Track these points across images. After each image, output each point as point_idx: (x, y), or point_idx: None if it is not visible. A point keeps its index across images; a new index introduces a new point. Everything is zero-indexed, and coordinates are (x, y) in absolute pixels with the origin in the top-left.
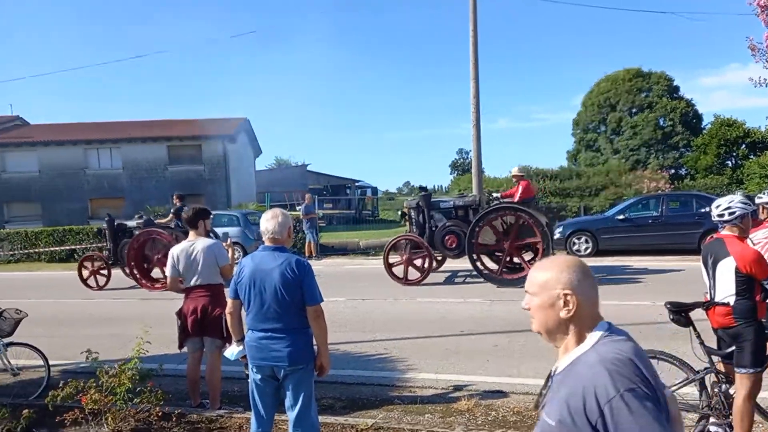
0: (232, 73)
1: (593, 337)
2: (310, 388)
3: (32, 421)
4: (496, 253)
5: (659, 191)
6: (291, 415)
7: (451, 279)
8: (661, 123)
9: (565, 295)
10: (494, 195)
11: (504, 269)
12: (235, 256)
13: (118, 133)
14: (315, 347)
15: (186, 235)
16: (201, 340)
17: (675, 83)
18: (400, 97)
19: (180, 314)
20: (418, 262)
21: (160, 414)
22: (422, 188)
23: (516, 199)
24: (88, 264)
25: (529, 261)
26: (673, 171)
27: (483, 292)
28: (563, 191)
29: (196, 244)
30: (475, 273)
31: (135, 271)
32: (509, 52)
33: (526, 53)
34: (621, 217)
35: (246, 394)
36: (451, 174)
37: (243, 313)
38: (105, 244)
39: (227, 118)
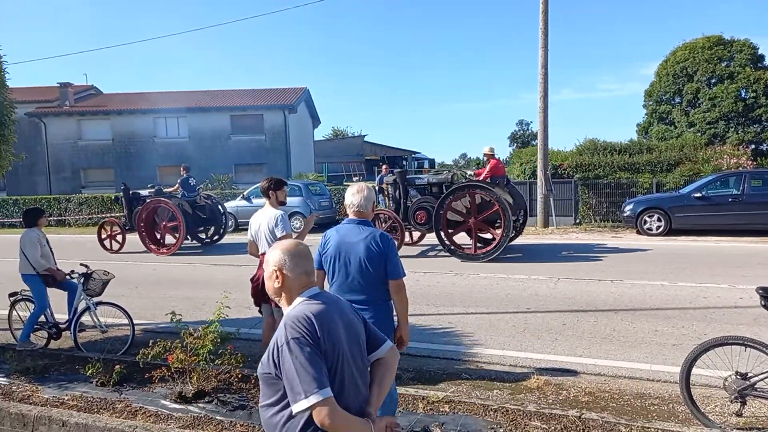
0: (293, 42)
1: (297, 301)
2: None
3: (123, 375)
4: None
5: (740, 168)
6: None
7: (511, 256)
8: (743, 94)
9: (275, 271)
10: (468, 173)
11: (479, 245)
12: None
13: (184, 102)
14: (395, 319)
15: (190, 204)
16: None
17: (760, 51)
18: (457, 67)
19: (252, 280)
20: (395, 235)
21: (239, 376)
22: (398, 165)
23: (482, 177)
24: (107, 227)
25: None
26: (753, 146)
27: (548, 270)
28: (633, 166)
29: (264, 212)
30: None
31: (145, 238)
32: (572, 18)
33: (591, 19)
34: (698, 195)
35: None
36: (510, 146)
37: (326, 283)
38: (122, 211)
39: (288, 88)
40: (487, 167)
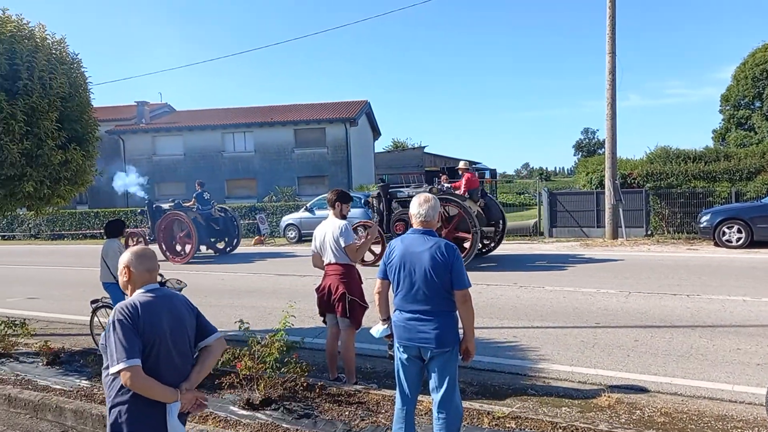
0: (353, 56)
1: (136, 292)
2: (455, 371)
3: None
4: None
5: None
6: (435, 396)
7: (579, 269)
8: None
9: (124, 268)
10: (446, 186)
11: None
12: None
13: (250, 117)
14: (460, 331)
15: (204, 218)
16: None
17: None
18: (520, 75)
19: (317, 290)
20: (374, 246)
21: (305, 384)
22: (381, 179)
23: (462, 191)
24: (132, 239)
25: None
26: None
27: (618, 283)
28: (709, 174)
29: (329, 223)
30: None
31: (162, 246)
32: (640, 22)
33: (660, 22)
34: None
35: (378, 371)
36: (574, 155)
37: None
38: (148, 223)
39: (349, 101)
40: (463, 181)
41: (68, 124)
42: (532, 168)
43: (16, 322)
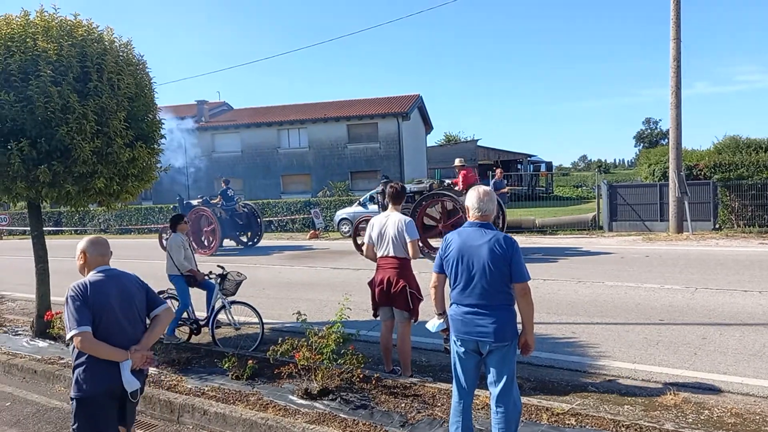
0: (406, 50)
1: (90, 273)
2: (513, 365)
3: (254, 370)
4: None
5: None
6: (494, 390)
7: (639, 264)
8: None
9: (81, 252)
10: (446, 182)
11: None
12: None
13: (304, 114)
14: (518, 325)
15: (228, 213)
16: (391, 309)
17: None
18: (575, 64)
19: (371, 284)
20: None
21: (361, 376)
22: (385, 176)
23: (460, 187)
24: (164, 233)
25: None
26: None
27: (684, 279)
28: None
29: (390, 217)
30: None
31: (190, 239)
32: (707, 4)
33: (727, 4)
34: None
35: (434, 365)
36: (635, 146)
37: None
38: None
39: (401, 95)
40: (460, 177)
41: (135, 123)
42: (590, 160)
43: None
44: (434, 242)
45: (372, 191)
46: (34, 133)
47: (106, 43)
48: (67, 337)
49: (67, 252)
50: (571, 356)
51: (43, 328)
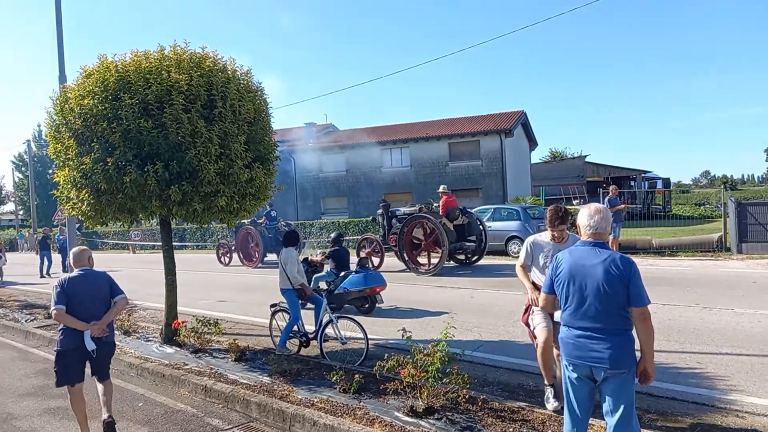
0: (509, 67)
1: (75, 271)
2: (631, 394)
3: (361, 384)
4: (456, 252)
5: None
6: (610, 421)
7: (765, 290)
8: None
9: (70, 257)
10: (435, 205)
11: (462, 261)
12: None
13: (406, 133)
14: (636, 352)
15: (271, 232)
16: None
17: None
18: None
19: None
20: (377, 255)
21: (467, 396)
22: (383, 200)
23: (441, 211)
24: (222, 249)
25: (470, 257)
26: None
27: None
28: None
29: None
30: None
31: (240, 253)
32: None
33: None
34: None
35: (542, 390)
36: (767, 161)
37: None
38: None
39: (504, 112)
40: (441, 202)
41: (253, 146)
42: (714, 176)
43: (210, 322)
44: (421, 259)
45: (474, 209)
46: (167, 156)
47: (229, 72)
48: (50, 310)
49: (188, 266)
50: (695, 388)
51: (171, 335)
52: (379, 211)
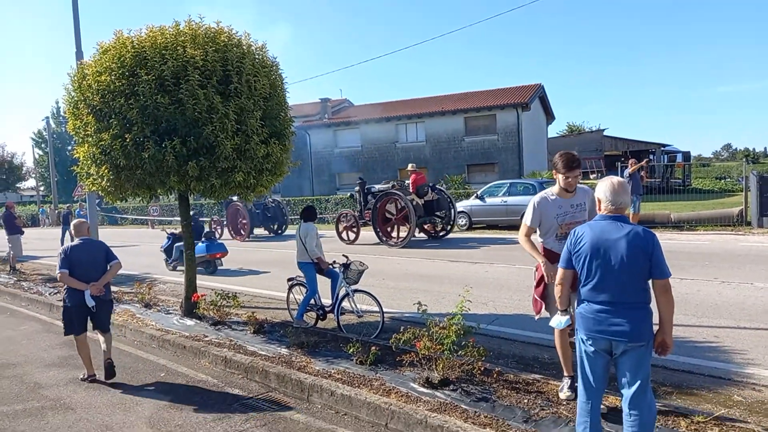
0: (526, 39)
1: (76, 240)
2: (648, 367)
3: (377, 356)
4: (425, 225)
5: None
6: (626, 392)
7: None
8: None
9: (70, 230)
10: (406, 183)
11: (432, 234)
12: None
13: (422, 108)
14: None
15: (259, 208)
16: None
17: None
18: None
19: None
20: (353, 229)
21: (482, 368)
22: (360, 178)
23: (411, 188)
24: (214, 224)
25: (438, 231)
26: None
27: None
28: None
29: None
30: None
31: (230, 228)
32: None
33: None
34: None
35: (557, 362)
36: None
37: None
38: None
39: (521, 86)
40: (410, 180)
41: (269, 121)
42: (735, 149)
43: (228, 295)
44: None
45: (490, 184)
46: (184, 132)
47: (244, 47)
48: (56, 273)
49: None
50: (712, 362)
51: (191, 308)
52: (356, 188)
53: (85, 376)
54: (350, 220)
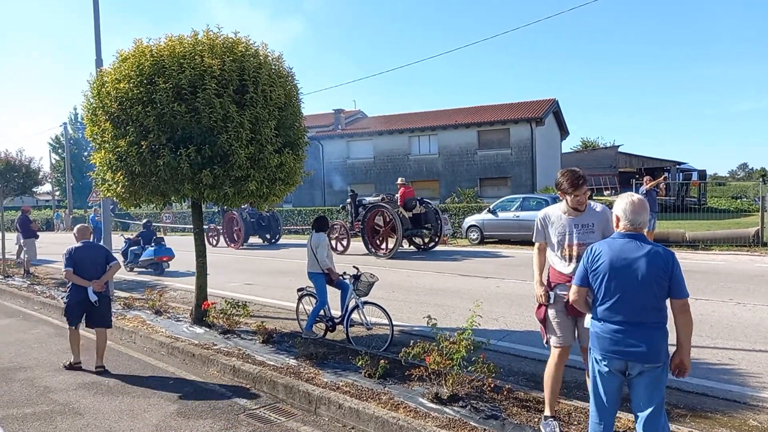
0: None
1: (78, 243)
2: (664, 389)
3: (386, 370)
4: (414, 238)
5: None
6: (640, 414)
7: None
8: None
9: (74, 233)
10: (396, 196)
11: (422, 246)
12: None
13: (435, 120)
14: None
15: (254, 217)
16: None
17: None
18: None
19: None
20: (344, 240)
21: (492, 385)
22: (352, 190)
23: (400, 202)
24: (211, 232)
25: (427, 243)
26: None
27: None
28: None
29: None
30: None
31: (225, 237)
32: None
33: None
34: None
35: (567, 381)
36: None
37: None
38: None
39: (535, 100)
40: (399, 194)
41: (283, 131)
42: (752, 169)
43: (238, 304)
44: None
45: (502, 198)
46: (199, 140)
47: (261, 57)
48: (62, 271)
49: (215, 249)
50: (727, 384)
51: (201, 316)
52: (348, 200)
53: (69, 364)
54: (341, 230)
